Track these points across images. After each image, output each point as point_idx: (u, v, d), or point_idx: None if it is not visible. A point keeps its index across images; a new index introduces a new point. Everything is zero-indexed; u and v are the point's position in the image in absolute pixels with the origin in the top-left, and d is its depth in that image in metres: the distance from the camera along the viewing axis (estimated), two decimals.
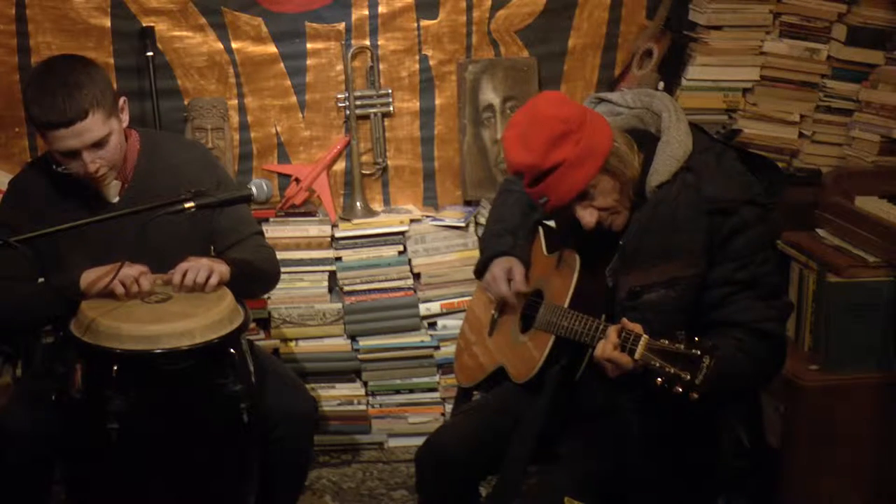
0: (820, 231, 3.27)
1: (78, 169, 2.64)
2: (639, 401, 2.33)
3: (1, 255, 2.55)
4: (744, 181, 2.35)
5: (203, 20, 3.61)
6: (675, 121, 2.37)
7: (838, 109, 3.59)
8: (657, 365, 2.12)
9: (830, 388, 3.01)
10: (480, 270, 2.71)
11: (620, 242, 2.37)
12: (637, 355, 2.17)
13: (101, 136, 2.62)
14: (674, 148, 2.34)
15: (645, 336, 2.17)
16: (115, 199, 2.76)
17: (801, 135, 3.64)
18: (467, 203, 3.83)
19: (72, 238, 2.59)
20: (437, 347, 3.67)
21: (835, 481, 3.03)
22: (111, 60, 3.59)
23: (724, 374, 2.13)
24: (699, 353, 2.08)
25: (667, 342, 2.13)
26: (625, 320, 2.24)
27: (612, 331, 2.23)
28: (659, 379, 2.12)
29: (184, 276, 2.62)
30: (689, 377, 2.08)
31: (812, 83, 3.61)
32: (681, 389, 2.09)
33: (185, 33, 3.61)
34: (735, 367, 2.22)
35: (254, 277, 2.80)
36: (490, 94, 3.74)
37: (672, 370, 2.10)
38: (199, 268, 2.64)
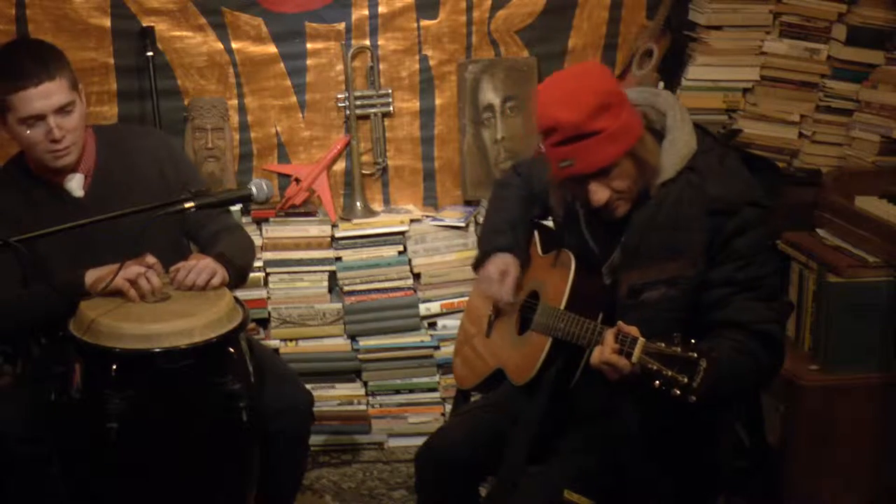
0: (820, 231, 3.27)
1: (41, 137, 2.67)
2: (637, 402, 2.33)
3: None
4: (746, 182, 2.35)
5: (203, 20, 3.61)
6: (680, 120, 2.38)
7: (838, 109, 3.58)
8: (654, 368, 2.11)
9: (830, 388, 3.01)
10: (478, 265, 2.71)
11: (622, 239, 2.36)
12: (634, 358, 2.15)
13: (67, 102, 2.67)
14: (679, 147, 2.34)
15: (641, 339, 2.16)
16: (80, 193, 2.79)
17: (801, 135, 3.64)
18: (467, 203, 3.83)
19: (48, 239, 2.60)
20: (437, 347, 3.67)
21: (835, 481, 3.03)
22: (111, 60, 3.59)
23: (722, 376, 2.12)
24: (696, 355, 2.07)
25: (663, 345, 2.12)
26: (621, 323, 2.22)
27: (609, 334, 2.22)
28: (657, 382, 2.11)
29: (187, 274, 2.65)
30: (686, 380, 2.07)
31: (812, 83, 3.61)
32: (679, 392, 2.08)
33: (185, 33, 3.61)
34: (732, 370, 2.21)
35: (243, 270, 2.83)
36: (490, 94, 3.74)
37: (669, 373, 2.09)
38: (203, 269, 2.66)
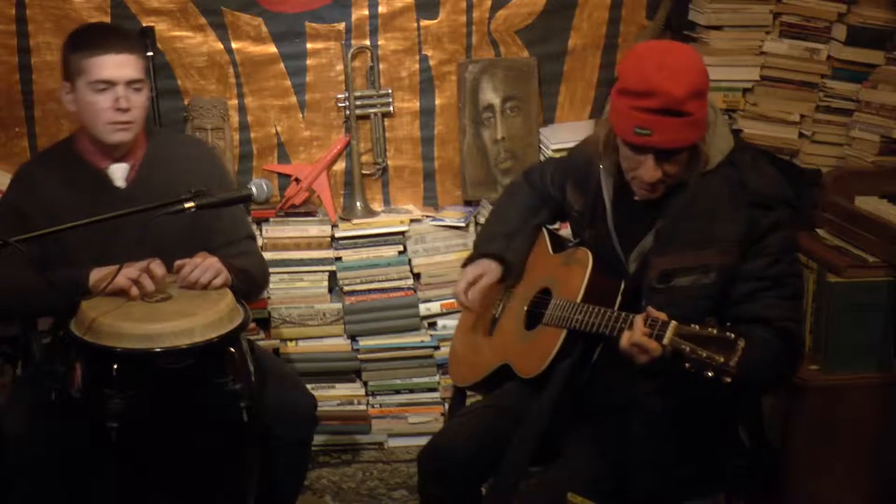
0: (820, 231, 3.27)
1: (108, 104, 2.70)
2: (652, 392, 2.34)
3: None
4: (782, 182, 2.40)
5: (203, 20, 3.61)
6: (719, 118, 2.42)
7: (838, 109, 3.58)
8: (687, 350, 2.12)
9: (830, 388, 3.01)
10: (465, 265, 2.75)
11: (657, 224, 2.39)
12: (666, 340, 2.16)
13: (139, 78, 2.74)
14: (719, 141, 2.38)
15: (673, 322, 2.17)
16: (122, 184, 2.80)
17: (801, 135, 3.64)
18: (467, 203, 3.83)
19: (78, 231, 2.60)
20: (437, 347, 3.67)
21: (835, 481, 3.03)
22: None
23: (755, 362, 2.13)
24: (733, 336, 2.08)
25: (697, 327, 2.13)
26: (650, 308, 2.24)
27: (639, 318, 2.24)
28: (687, 364, 2.11)
29: (192, 271, 2.65)
30: (722, 360, 2.07)
31: (812, 83, 3.61)
32: (712, 374, 2.08)
33: (185, 33, 3.61)
34: (760, 363, 2.22)
35: (248, 287, 2.83)
36: (490, 94, 3.74)
37: (704, 354, 2.09)
38: (208, 268, 2.67)
